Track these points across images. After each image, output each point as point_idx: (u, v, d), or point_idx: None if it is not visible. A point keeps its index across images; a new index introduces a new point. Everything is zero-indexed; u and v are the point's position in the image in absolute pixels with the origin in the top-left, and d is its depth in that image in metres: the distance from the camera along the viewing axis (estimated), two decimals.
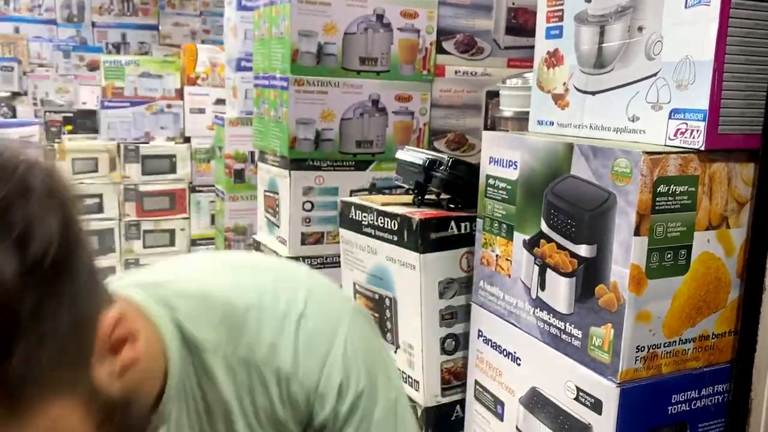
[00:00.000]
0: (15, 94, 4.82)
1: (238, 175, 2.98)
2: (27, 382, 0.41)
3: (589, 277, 0.99)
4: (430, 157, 1.39)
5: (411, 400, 1.38)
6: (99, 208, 3.96)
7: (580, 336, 1.01)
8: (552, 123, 1.19)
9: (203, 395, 0.61)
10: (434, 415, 1.35)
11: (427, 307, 1.31)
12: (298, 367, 0.61)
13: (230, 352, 0.61)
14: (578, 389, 1.01)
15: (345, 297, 0.72)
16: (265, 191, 2.46)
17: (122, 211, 4.01)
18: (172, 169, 4.02)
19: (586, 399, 1.00)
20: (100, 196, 3.95)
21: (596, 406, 0.98)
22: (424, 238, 1.29)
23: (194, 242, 4.15)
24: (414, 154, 1.45)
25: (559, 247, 1.04)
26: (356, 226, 1.51)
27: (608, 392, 0.96)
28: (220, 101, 3.81)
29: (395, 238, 1.36)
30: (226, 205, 3.01)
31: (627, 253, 0.92)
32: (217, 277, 0.65)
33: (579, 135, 1.12)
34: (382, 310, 1.45)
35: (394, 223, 1.36)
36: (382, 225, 1.41)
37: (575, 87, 1.13)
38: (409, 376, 1.37)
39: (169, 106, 3.96)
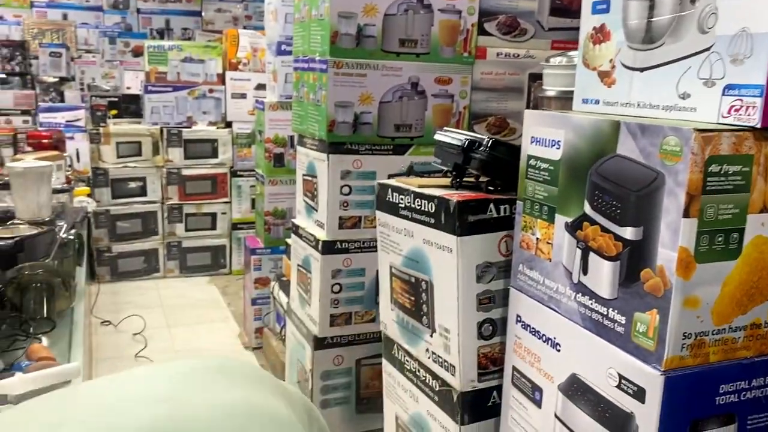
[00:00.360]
0: (63, 80, 4.93)
1: (278, 159, 2.99)
2: None
3: (634, 260, 0.95)
4: (469, 137, 1.36)
5: (446, 384, 1.36)
6: (142, 192, 4.03)
7: (623, 322, 0.97)
8: (597, 101, 1.14)
9: None
10: (470, 400, 1.32)
11: (464, 291, 1.29)
12: None
13: None
14: (620, 377, 0.97)
15: None
16: (303, 175, 2.46)
17: (165, 194, 4.07)
18: (214, 154, 4.06)
19: (628, 387, 0.96)
20: (143, 179, 4.01)
21: (639, 395, 0.94)
22: (461, 220, 1.26)
23: (235, 226, 4.20)
24: (453, 135, 1.41)
25: (603, 229, 1.00)
26: (393, 209, 1.49)
27: (652, 380, 0.92)
28: (261, 86, 3.83)
29: (432, 221, 1.34)
30: (265, 189, 3.02)
31: (675, 236, 0.88)
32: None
33: (626, 114, 1.08)
34: (418, 294, 1.43)
35: (431, 206, 1.34)
36: (418, 207, 1.38)
37: (622, 64, 1.09)
38: (444, 360, 1.35)
39: (211, 90, 3.99)
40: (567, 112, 1.18)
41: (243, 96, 3.97)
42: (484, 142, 1.33)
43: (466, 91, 2.35)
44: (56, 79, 4.86)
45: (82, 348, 1.54)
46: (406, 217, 1.44)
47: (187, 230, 4.16)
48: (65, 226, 1.96)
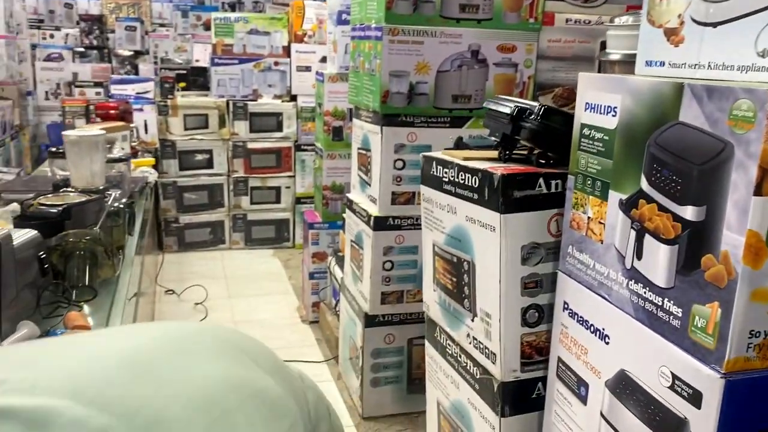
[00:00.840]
0: (138, 53, 5.03)
1: (337, 133, 2.93)
2: None
3: (694, 245, 0.83)
4: (519, 105, 1.24)
5: (487, 372, 1.26)
6: (209, 164, 4.06)
7: (679, 314, 0.85)
8: (662, 63, 1.00)
9: None
10: (512, 391, 1.22)
11: (507, 273, 1.18)
12: None
13: None
14: (674, 377, 0.85)
15: None
16: (358, 148, 2.38)
17: (231, 167, 4.09)
18: (279, 128, 4.04)
19: (682, 389, 0.84)
20: (210, 152, 4.04)
21: (695, 399, 0.82)
22: (506, 196, 1.15)
23: (298, 200, 4.18)
24: (503, 103, 1.30)
25: (661, 208, 0.88)
26: (437, 183, 1.39)
27: (710, 383, 0.80)
28: (325, 59, 3.76)
29: (475, 197, 1.23)
30: (324, 163, 2.97)
31: (744, 217, 0.75)
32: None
33: (695, 77, 0.94)
34: (459, 275, 1.33)
35: (475, 180, 1.23)
36: (462, 182, 1.28)
37: (692, 19, 0.94)
38: (485, 347, 1.25)
39: (276, 63, 3.96)
40: (626, 75, 1.04)
41: (308, 69, 3.92)
42: (535, 110, 1.21)
43: (532, 60, 2.20)
44: (131, 53, 4.97)
45: (121, 318, 1.53)
46: (449, 192, 1.34)
47: (252, 203, 4.17)
48: (117, 195, 1.96)
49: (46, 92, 4.39)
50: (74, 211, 1.67)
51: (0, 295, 1.31)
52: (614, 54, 1.30)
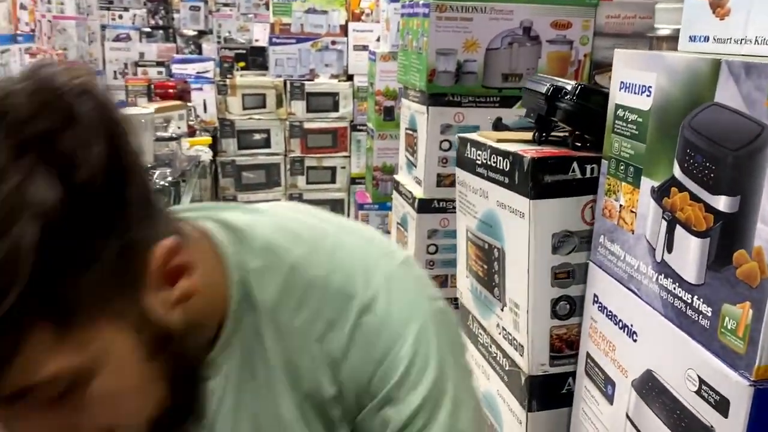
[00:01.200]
0: (201, 33, 5.11)
1: (388, 113, 2.89)
2: (74, 306, 0.41)
3: (726, 238, 0.75)
4: (555, 83, 1.17)
5: (515, 365, 1.21)
6: (266, 143, 4.10)
7: (709, 314, 0.78)
8: (707, 38, 0.92)
9: (251, 356, 0.56)
10: (540, 386, 1.17)
11: (536, 262, 1.12)
12: (348, 358, 0.55)
13: (285, 320, 0.56)
14: (701, 381, 0.78)
15: (430, 295, 0.59)
16: (405, 129, 2.33)
17: (288, 147, 4.12)
18: (335, 107, 4.04)
19: (709, 395, 0.77)
20: (267, 131, 4.08)
21: (722, 406, 0.75)
22: (536, 180, 1.09)
23: (353, 181, 4.18)
24: (541, 81, 1.23)
25: (693, 198, 0.80)
26: (470, 166, 1.34)
27: (738, 391, 0.72)
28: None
29: (506, 180, 1.17)
30: (374, 144, 2.94)
31: None
32: (298, 237, 0.59)
33: (740, 53, 0.85)
34: (490, 262, 1.28)
35: (506, 163, 1.17)
36: (494, 165, 1.22)
37: None
38: (513, 339, 1.20)
39: (333, 43, 3.95)
40: (664, 52, 0.96)
41: (365, 48, 3.88)
42: (571, 89, 1.13)
43: (588, 37, 2.09)
44: (195, 33, 5.05)
45: None
46: (482, 176, 1.28)
47: (308, 183, 4.20)
48: (164, 173, 1.99)
49: (114, 72, 4.52)
50: None
51: None
52: (662, 29, 1.21)
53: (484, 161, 1.26)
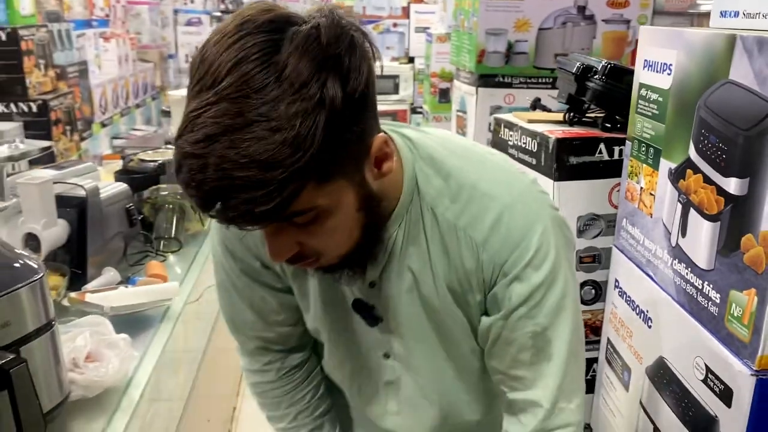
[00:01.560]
0: None
1: (443, 95, 2.86)
2: (330, 170, 0.60)
3: (735, 222, 0.72)
4: (586, 62, 1.14)
5: None
6: None
7: (718, 300, 0.75)
8: (737, 14, 0.87)
9: (415, 230, 0.73)
10: None
11: None
12: (488, 242, 0.70)
13: (440, 211, 0.72)
14: (708, 369, 0.76)
15: (550, 204, 0.74)
16: (456, 111, 2.31)
17: None
18: (395, 90, 4.02)
19: (715, 384, 0.74)
20: None
21: (725, 396, 0.72)
22: (560, 161, 1.07)
23: None
24: (573, 61, 1.20)
25: (706, 180, 0.77)
26: (503, 146, 1.32)
27: (741, 380, 0.70)
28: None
29: (534, 162, 1.16)
30: (430, 126, 2.93)
31: None
32: (453, 151, 0.75)
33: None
34: None
35: (534, 144, 1.15)
36: (523, 145, 1.20)
37: None
38: None
39: (395, 25, 3.94)
40: (688, 28, 0.92)
41: (426, 30, 3.86)
42: (600, 68, 1.10)
43: (647, 16, 2.01)
44: None
45: (199, 270, 1.61)
46: (513, 156, 1.27)
47: None
48: None
49: (186, 55, 4.67)
50: (168, 167, 1.77)
51: (87, 242, 1.42)
52: (704, 5, 1.15)
53: (516, 142, 1.25)
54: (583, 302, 1.13)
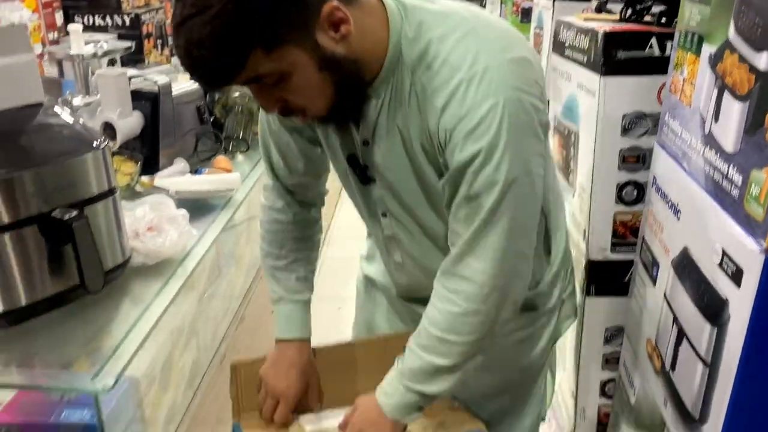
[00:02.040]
0: None
1: (525, 14, 2.78)
2: (275, 37, 0.69)
3: (763, 99, 0.69)
4: None
5: (578, 250, 1.20)
6: None
7: (739, 183, 0.73)
8: None
9: (400, 92, 0.79)
10: (598, 272, 1.15)
11: (603, 144, 1.09)
12: (446, 111, 0.75)
13: (418, 76, 0.77)
14: (723, 253, 0.75)
15: (518, 87, 0.75)
16: (534, 29, 2.26)
17: None
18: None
19: (728, 266, 0.73)
20: None
21: (737, 277, 0.72)
22: (607, 56, 1.04)
23: None
24: None
25: (741, 59, 0.74)
26: (561, 49, 1.29)
27: (751, 258, 0.69)
28: None
29: (584, 59, 1.13)
30: None
31: None
32: (443, 21, 0.77)
33: None
34: (568, 148, 1.25)
35: (586, 40, 1.13)
36: (576, 44, 1.18)
37: None
38: (579, 223, 1.18)
39: None
40: None
41: None
42: None
43: None
44: None
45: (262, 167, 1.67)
46: (568, 57, 1.24)
47: None
48: None
49: None
50: None
51: (159, 134, 1.52)
52: None
53: (571, 42, 1.22)
54: (624, 202, 1.12)
